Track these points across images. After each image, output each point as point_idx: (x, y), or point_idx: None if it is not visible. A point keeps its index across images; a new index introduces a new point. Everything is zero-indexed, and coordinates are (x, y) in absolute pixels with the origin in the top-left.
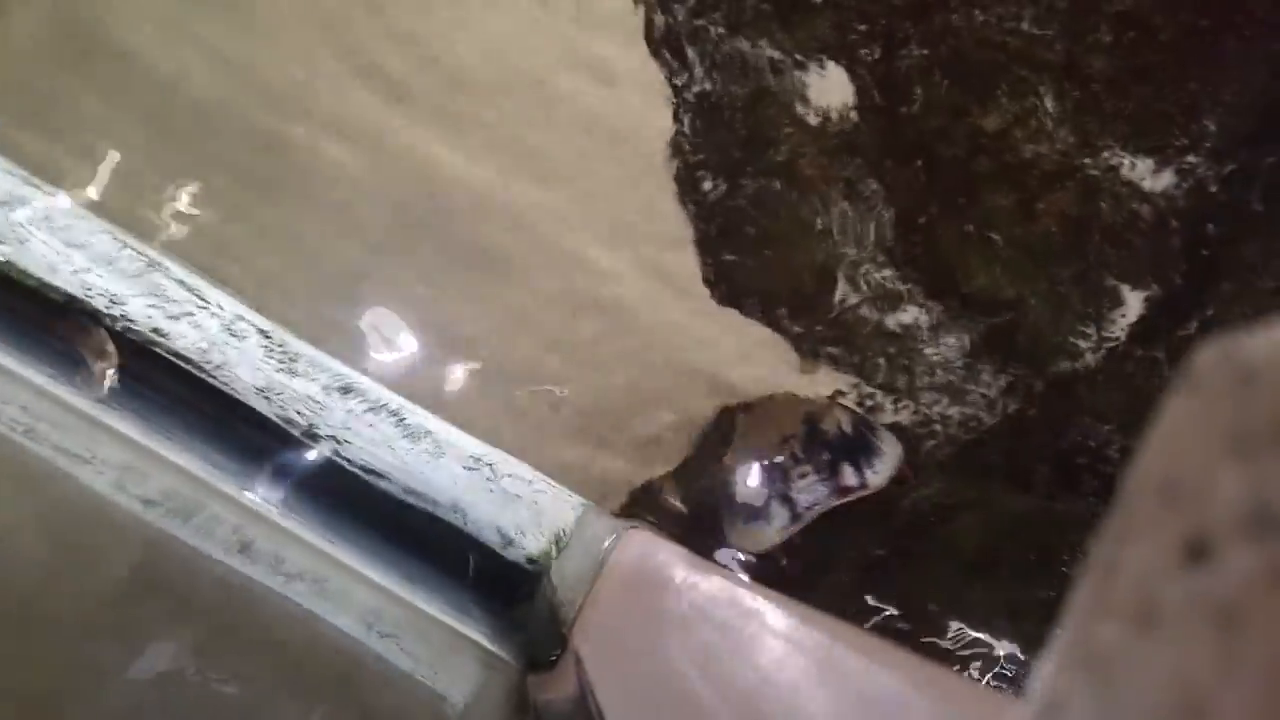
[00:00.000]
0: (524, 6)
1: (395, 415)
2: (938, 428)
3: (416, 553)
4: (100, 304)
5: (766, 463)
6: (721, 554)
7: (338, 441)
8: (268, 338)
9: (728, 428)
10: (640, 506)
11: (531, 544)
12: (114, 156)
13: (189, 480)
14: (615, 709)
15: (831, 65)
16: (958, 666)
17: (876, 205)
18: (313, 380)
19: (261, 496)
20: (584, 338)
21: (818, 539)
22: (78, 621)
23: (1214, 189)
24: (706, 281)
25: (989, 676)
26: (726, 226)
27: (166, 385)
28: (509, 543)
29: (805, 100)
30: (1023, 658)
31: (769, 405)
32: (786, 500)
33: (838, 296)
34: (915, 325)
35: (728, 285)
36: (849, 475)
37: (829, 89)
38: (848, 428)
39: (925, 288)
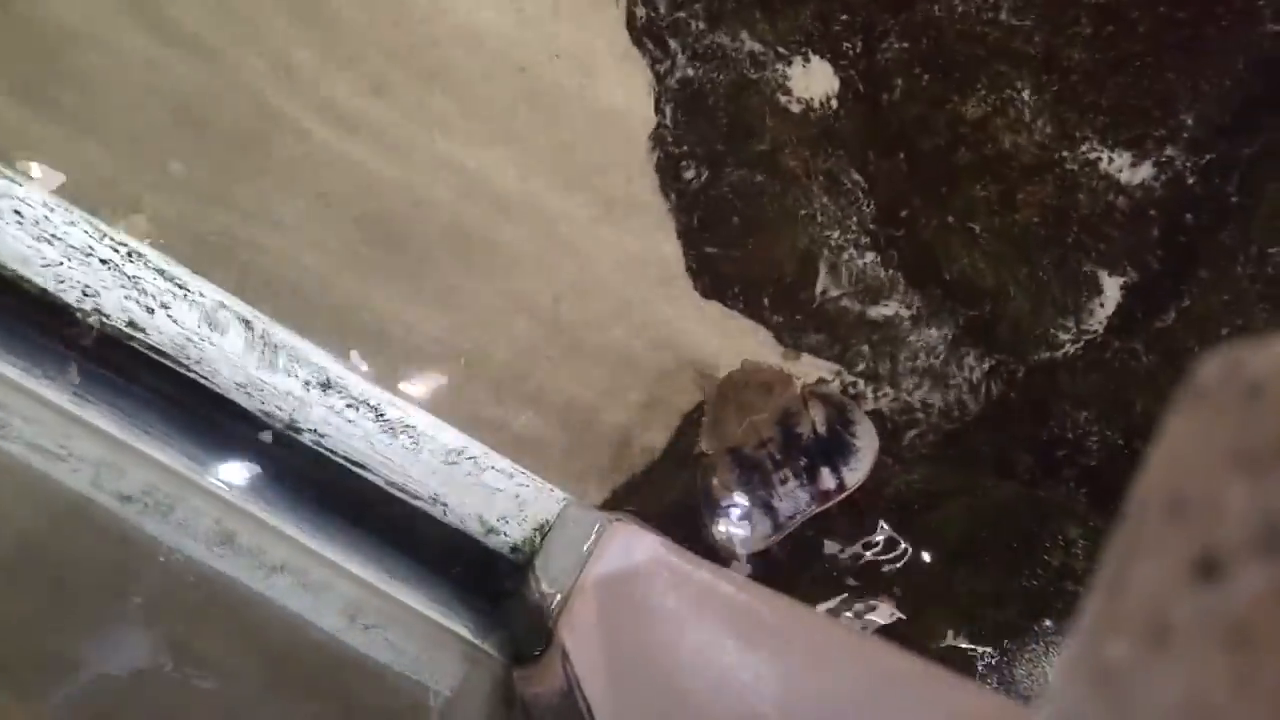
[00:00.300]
0: None
1: (375, 409)
2: (920, 415)
3: (399, 546)
4: (72, 298)
5: (746, 467)
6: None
7: (319, 434)
8: (249, 328)
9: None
10: (622, 499)
11: (515, 532)
12: (88, 147)
13: (167, 475)
14: (603, 702)
15: (814, 57)
16: (941, 657)
17: (858, 196)
18: (293, 376)
19: (241, 490)
20: (565, 328)
21: (802, 530)
22: (48, 617)
23: (1191, 180)
24: (689, 271)
25: (974, 666)
26: (708, 217)
27: (143, 378)
28: (491, 531)
29: (787, 91)
30: (1006, 646)
31: (736, 388)
32: (769, 509)
33: (819, 287)
34: (896, 316)
35: (710, 276)
36: (827, 478)
37: (811, 80)
38: (822, 428)
39: (907, 277)
